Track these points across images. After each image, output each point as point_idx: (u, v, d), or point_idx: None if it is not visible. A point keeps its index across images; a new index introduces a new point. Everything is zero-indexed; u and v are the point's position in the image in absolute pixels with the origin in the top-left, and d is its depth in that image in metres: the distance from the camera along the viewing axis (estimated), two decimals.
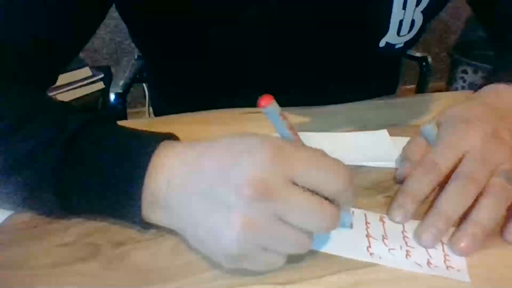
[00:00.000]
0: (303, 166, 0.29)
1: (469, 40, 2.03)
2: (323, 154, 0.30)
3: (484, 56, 1.82)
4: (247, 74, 0.55)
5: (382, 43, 0.54)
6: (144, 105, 1.09)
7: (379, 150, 0.46)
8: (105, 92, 1.40)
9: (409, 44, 0.56)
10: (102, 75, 1.41)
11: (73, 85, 1.33)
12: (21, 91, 0.39)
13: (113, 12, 0.54)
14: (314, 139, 0.48)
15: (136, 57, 0.96)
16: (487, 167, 0.36)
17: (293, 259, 0.31)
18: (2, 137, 0.33)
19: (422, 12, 0.52)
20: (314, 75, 0.57)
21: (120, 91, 0.85)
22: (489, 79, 0.47)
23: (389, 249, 0.33)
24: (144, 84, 1.03)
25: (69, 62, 0.51)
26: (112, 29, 1.72)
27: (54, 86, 0.50)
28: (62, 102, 0.39)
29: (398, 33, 0.53)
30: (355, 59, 0.57)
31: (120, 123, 0.36)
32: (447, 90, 2.08)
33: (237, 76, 0.56)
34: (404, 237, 0.34)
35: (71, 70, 1.31)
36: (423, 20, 0.53)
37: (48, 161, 0.32)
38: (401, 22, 0.52)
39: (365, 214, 0.37)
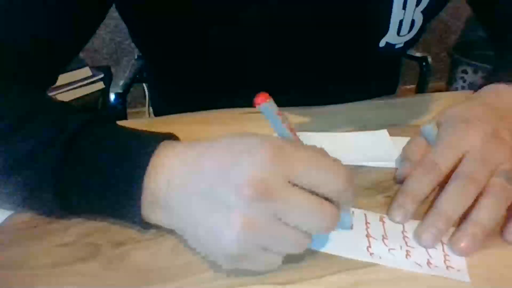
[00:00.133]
0: (303, 166, 0.29)
1: (469, 40, 2.03)
2: (323, 153, 0.30)
3: (484, 56, 1.82)
4: (247, 74, 0.55)
5: (382, 43, 0.54)
6: (144, 105, 1.09)
7: (379, 150, 0.46)
8: (105, 92, 1.40)
9: (409, 44, 0.56)
10: (102, 75, 1.41)
11: (73, 85, 1.33)
12: (21, 91, 0.39)
13: (113, 12, 0.54)
14: (314, 139, 0.48)
15: (136, 57, 0.96)
16: (487, 167, 0.36)
17: (293, 259, 0.31)
18: (2, 137, 0.33)
19: (422, 12, 0.52)
20: (314, 75, 0.57)
21: (120, 91, 0.85)
22: (489, 79, 0.47)
23: (389, 249, 0.33)
24: (144, 84, 1.03)
25: (69, 62, 0.51)
26: (112, 29, 1.72)
27: (54, 86, 0.50)
28: (62, 102, 0.39)
29: (398, 33, 0.53)
30: (355, 59, 0.57)
31: (120, 123, 0.36)
32: (447, 90, 2.08)
33: (237, 76, 0.56)
34: (404, 237, 0.34)
35: (71, 70, 1.30)
36: (423, 20, 0.53)
37: (48, 161, 0.32)
38: (401, 22, 0.52)
39: (365, 214, 0.37)
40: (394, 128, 0.49)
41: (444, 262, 0.32)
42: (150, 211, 0.32)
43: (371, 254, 0.33)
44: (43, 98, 0.39)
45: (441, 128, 0.41)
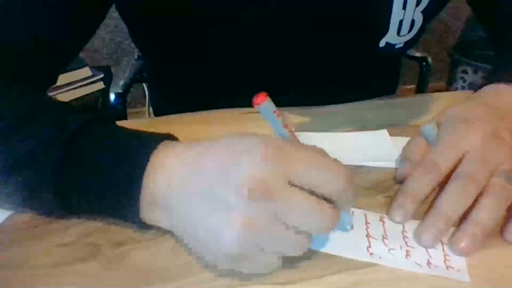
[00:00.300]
0: (303, 166, 0.29)
1: (469, 40, 2.03)
2: (323, 153, 0.30)
3: (484, 56, 1.82)
4: (247, 74, 0.55)
5: (382, 43, 0.54)
6: (144, 105, 1.09)
7: (379, 150, 0.46)
8: (105, 92, 1.40)
9: (409, 44, 0.56)
10: (102, 75, 1.41)
11: (73, 85, 1.33)
12: (21, 91, 0.39)
13: (113, 12, 0.54)
14: (314, 139, 0.48)
15: (136, 57, 0.96)
16: (487, 167, 0.36)
17: (293, 259, 0.31)
18: (2, 137, 0.33)
19: (422, 12, 0.52)
20: (314, 75, 0.57)
21: (120, 91, 0.85)
22: (489, 79, 0.47)
23: (389, 249, 0.33)
24: (144, 84, 1.03)
25: (69, 62, 0.51)
26: (112, 29, 1.72)
27: (54, 86, 0.50)
28: (62, 102, 0.39)
29: (398, 33, 0.53)
30: (355, 59, 0.57)
31: (120, 123, 0.36)
32: (447, 90, 2.08)
33: (237, 76, 0.56)
34: (404, 237, 0.34)
35: (71, 70, 1.30)
36: (423, 20, 0.53)
37: (48, 161, 0.32)
38: (401, 22, 0.52)
39: (365, 214, 0.37)
40: (394, 128, 0.49)
41: (444, 262, 0.32)
42: (149, 211, 0.32)
43: (371, 254, 0.33)
44: (43, 98, 0.39)
45: (441, 128, 0.41)
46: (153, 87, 0.88)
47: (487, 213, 0.34)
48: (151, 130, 0.34)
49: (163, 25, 0.53)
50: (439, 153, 0.38)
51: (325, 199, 0.29)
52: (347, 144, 0.47)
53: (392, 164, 0.43)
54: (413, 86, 1.16)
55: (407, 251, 0.33)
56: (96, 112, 0.77)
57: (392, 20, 0.51)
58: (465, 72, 1.94)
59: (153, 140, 0.33)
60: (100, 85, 1.41)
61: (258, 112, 0.31)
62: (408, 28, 0.53)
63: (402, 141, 0.44)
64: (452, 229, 0.34)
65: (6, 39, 0.43)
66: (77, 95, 1.35)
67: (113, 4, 0.51)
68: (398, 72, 0.79)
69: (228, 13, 0.50)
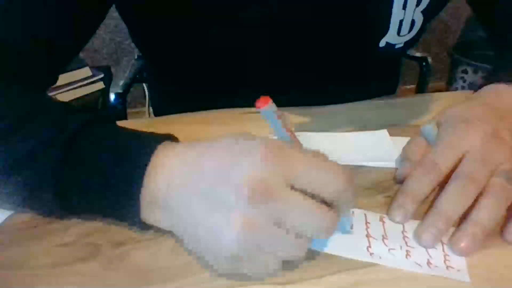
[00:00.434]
0: (303, 167, 0.29)
1: (469, 40, 2.03)
2: (323, 155, 0.30)
3: (484, 56, 1.82)
4: (247, 74, 0.55)
5: (382, 43, 0.54)
6: (144, 105, 1.09)
7: (379, 150, 0.46)
8: (105, 92, 1.40)
9: (409, 44, 0.56)
10: (102, 75, 1.41)
11: (73, 85, 1.33)
12: (21, 91, 0.39)
13: (113, 12, 0.54)
14: (314, 139, 0.48)
15: (136, 57, 0.96)
16: (487, 167, 0.36)
17: None
18: (2, 137, 0.33)
19: (422, 12, 0.52)
20: (314, 75, 0.57)
21: (120, 91, 0.85)
22: (489, 79, 0.47)
23: (389, 249, 0.33)
24: (144, 84, 1.03)
25: (69, 62, 0.51)
26: (112, 29, 1.72)
27: (54, 86, 0.51)
28: (62, 102, 0.39)
29: (398, 33, 0.53)
30: (355, 59, 0.57)
31: (120, 123, 0.36)
32: (447, 90, 2.08)
33: (237, 76, 0.56)
34: (404, 237, 0.34)
35: (71, 70, 1.30)
36: (423, 20, 0.53)
37: (48, 161, 0.32)
38: (401, 22, 0.52)
39: (365, 214, 0.37)
40: (394, 128, 0.49)
41: (444, 262, 0.32)
42: (149, 211, 0.32)
43: (371, 254, 0.33)
44: (43, 98, 0.39)
45: (441, 128, 0.41)
46: (153, 87, 0.88)
47: (487, 213, 0.34)
48: (151, 130, 0.34)
49: (163, 25, 0.53)
50: (439, 153, 0.38)
51: (325, 203, 0.29)
52: (347, 144, 0.47)
53: (392, 164, 0.43)
54: (413, 86, 1.16)
55: (407, 251, 0.33)
56: (96, 112, 0.77)
57: (392, 20, 0.51)
58: (465, 72, 1.94)
59: (153, 140, 0.33)
60: (100, 85, 1.41)
61: (258, 112, 0.31)
62: (408, 28, 0.53)
63: (402, 141, 0.44)
64: (452, 229, 0.34)
65: (6, 39, 0.43)
66: (77, 95, 1.35)
67: (113, 4, 0.51)
68: (398, 72, 0.79)
69: (228, 13, 0.50)
